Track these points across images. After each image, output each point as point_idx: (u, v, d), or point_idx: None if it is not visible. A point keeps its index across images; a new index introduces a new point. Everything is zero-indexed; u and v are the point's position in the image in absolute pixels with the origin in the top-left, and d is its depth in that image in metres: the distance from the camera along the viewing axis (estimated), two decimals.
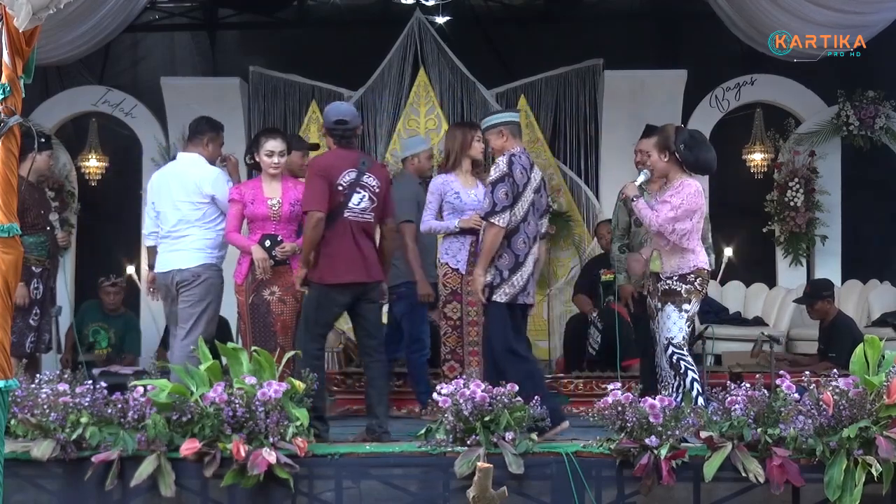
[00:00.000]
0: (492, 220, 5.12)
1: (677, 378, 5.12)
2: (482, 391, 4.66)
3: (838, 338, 7.26)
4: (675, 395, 5.02)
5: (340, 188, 5.25)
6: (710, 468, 4.55)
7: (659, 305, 5.27)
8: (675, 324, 5.18)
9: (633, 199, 5.30)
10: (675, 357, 5.15)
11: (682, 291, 5.21)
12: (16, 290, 3.68)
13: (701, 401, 4.99)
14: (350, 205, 5.25)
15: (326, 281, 5.25)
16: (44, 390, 4.75)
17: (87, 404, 4.71)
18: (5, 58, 3.49)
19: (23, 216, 5.80)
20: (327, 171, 5.29)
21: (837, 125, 9.29)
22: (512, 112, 5.55)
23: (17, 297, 5.74)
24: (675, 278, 5.23)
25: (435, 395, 4.74)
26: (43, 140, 6.17)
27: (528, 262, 5.19)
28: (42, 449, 4.63)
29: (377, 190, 5.32)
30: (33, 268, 6.10)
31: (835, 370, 4.88)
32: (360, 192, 5.26)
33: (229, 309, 6.09)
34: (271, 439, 4.58)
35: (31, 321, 6.12)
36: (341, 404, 6.61)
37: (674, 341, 5.17)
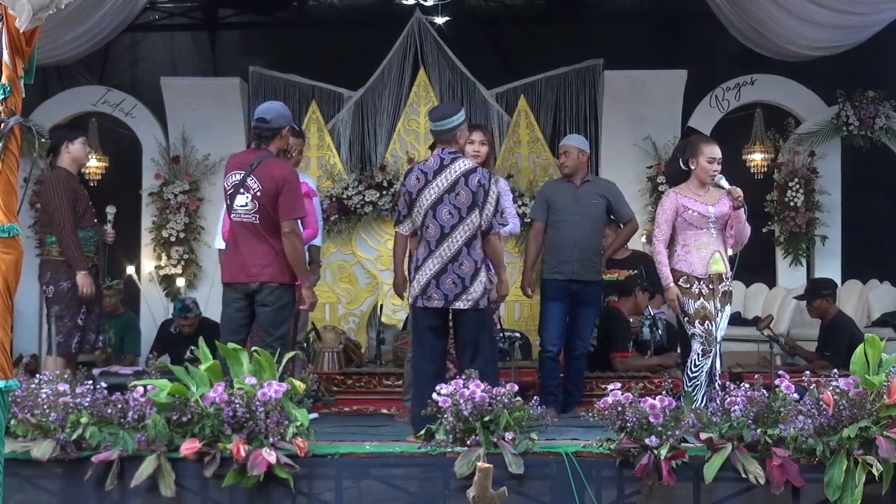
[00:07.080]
0: (395, 229, 5.43)
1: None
2: (482, 391, 4.67)
3: (834, 337, 7.28)
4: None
5: (226, 189, 5.37)
6: (710, 470, 4.54)
7: (718, 306, 5.43)
8: (727, 323, 5.48)
9: (742, 206, 5.48)
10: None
11: (731, 292, 5.57)
12: (16, 290, 3.65)
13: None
14: (235, 206, 5.31)
15: (223, 280, 5.50)
16: (44, 390, 4.74)
17: (87, 404, 4.70)
18: (5, 58, 3.49)
19: (73, 208, 5.82)
20: (225, 172, 5.51)
21: (837, 125, 9.30)
22: (440, 121, 5.20)
23: (83, 285, 5.85)
24: (729, 280, 5.49)
25: (434, 395, 4.73)
26: (84, 132, 6.17)
27: (427, 265, 5.16)
28: (42, 449, 4.63)
29: (258, 192, 5.25)
30: None
31: (835, 370, 4.89)
32: (243, 194, 5.27)
33: None
34: (271, 439, 4.57)
35: (78, 321, 6.00)
36: (341, 404, 6.60)
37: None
